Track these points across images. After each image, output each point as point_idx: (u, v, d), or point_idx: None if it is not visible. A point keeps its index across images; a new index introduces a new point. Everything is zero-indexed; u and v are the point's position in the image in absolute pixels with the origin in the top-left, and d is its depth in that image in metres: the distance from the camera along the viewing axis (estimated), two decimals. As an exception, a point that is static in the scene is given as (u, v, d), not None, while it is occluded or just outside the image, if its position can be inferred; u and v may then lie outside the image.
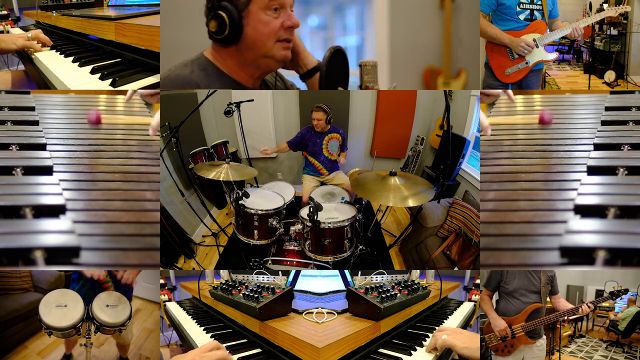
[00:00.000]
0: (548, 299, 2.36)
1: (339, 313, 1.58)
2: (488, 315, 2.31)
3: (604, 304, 4.17)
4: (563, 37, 2.66)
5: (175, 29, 3.07)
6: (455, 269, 2.89)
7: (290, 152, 3.86)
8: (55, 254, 0.86)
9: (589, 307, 2.19)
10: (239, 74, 1.51)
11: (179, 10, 3.17)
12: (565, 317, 2.29)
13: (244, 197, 2.60)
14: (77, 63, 2.12)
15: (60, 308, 1.88)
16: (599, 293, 4.59)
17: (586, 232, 0.93)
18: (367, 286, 1.72)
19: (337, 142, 3.65)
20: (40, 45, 2.34)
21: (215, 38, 1.44)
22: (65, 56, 2.23)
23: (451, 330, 1.35)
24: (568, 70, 4.18)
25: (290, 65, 1.58)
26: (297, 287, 2.08)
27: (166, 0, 2.85)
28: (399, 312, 1.68)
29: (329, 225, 2.47)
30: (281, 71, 1.71)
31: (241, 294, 1.74)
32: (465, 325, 2.18)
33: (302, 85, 1.65)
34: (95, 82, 1.88)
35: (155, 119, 1.50)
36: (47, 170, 1.19)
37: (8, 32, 3.03)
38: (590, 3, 3.83)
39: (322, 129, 3.55)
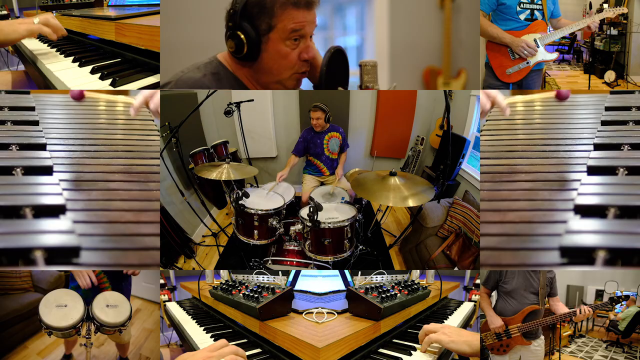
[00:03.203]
0: (546, 300, 2.36)
1: (339, 313, 1.58)
2: (485, 312, 2.31)
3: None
4: (563, 37, 2.66)
5: (175, 29, 3.07)
6: (455, 269, 2.89)
7: (289, 151, 3.86)
8: (55, 254, 0.86)
9: (587, 311, 2.19)
10: (252, 83, 1.50)
11: (179, 10, 3.17)
12: (563, 320, 2.28)
13: (244, 197, 2.60)
14: (77, 63, 2.11)
15: (60, 308, 1.88)
16: (599, 293, 4.59)
17: (586, 232, 0.93)
18: (367, 286, 1.72)
19: (338, 140, 3.65)
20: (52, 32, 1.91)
21: (233, 54, 1.42)
22: (66, 56, 2.23)
23: (439, 326, 1.35)
24: (568, 70, 4.18)
25: (308, 77, 1.55)
26: (297, 287, 2.08)
27: (166, 0, 2.85)
28: (399, 312, 1.68)
29: (329, 225, 2.47)
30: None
31: (241, 294, 1.74)
32: (465, 325, 2.18)
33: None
34: (95, 82, 1.87)
35: (138, 100, 1.36)
36: (47, 170, 1.19)
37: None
38: (590, 3, 3.83)
39: (322, 128, 3.55)
